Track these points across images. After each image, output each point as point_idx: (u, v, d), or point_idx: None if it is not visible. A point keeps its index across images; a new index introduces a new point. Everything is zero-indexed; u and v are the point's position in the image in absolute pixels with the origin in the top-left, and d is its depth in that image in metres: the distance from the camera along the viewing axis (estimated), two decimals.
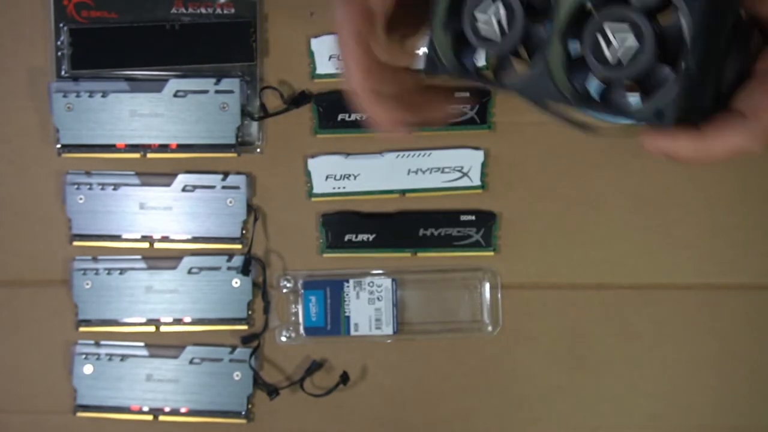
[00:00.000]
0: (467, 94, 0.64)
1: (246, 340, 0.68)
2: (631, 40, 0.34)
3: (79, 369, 0.68)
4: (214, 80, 0.67)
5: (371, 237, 0.68)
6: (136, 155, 0.68)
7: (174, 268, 0.68)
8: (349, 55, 0.40)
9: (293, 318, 0.69)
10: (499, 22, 0.36)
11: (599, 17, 0.34)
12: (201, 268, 0.68)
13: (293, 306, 0.69)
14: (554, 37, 0.36)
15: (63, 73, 0.68)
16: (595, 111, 0.37)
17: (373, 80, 0.41)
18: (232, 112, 0.67)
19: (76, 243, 0.68)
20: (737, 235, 0.68)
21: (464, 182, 0.68)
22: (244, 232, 0.68)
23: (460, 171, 0.68)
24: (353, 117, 0.67)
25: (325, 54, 0.67)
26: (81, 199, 0.68)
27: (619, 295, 0.68)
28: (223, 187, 0.68)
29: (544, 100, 0.37)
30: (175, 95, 0.67)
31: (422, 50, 0.39)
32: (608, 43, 0.34)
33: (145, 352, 0.69)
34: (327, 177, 0.68)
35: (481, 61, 0.40)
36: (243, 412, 0.68)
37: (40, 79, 0.68)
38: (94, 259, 0.68)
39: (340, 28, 0.40)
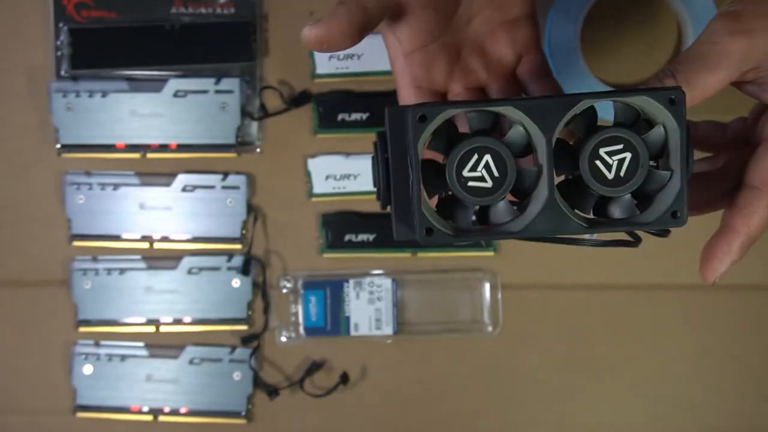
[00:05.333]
0: None
1: (246, 340, 0.68)
2: (629, 158, 0.36)
3: (78, 369, 0.68)
4: (213, 80, 0.67)
5: (371, 237, 0.68)
6: (136, 155, 0.68)
7: (174, 268, 0.68)
8: None
9: (293, 318, 0.69)
10: (490, 173, 0.36)
11: (594, 144, 0.36)
12: (201, 268, 0.68)
13: (293, 306, 0.69)
14: (545, 174, 0.36)
15: (63, 72, 0.68)
16: (608, 230, 0.38)
17: None
18: (232, 112, 0.67)
19: (75, 243, 0.68)
20: None
21: None
22: (244, 232, 0.68)
23: None
24: (353, 117, 0.67)
25: (325, 53, 0.67)
26: (81, 199, 0.68)
27: (619, 295, 0.68)
28: (223, 187, 0.68)
29: (554, 235, 0.37)
30: (175, 95, 0.67)
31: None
32: (607, 164, 0.36)
33: (144, 353, 0.68)
34: (327, 177, 0.68)
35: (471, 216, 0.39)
36: (243, 413, 0.68)
37: (39, 79, 0.68)
38: (94, 260, 0.68)
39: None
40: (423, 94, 0.44)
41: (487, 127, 0.37)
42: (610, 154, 0.36)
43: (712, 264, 0.41)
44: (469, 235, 0.38)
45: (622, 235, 0.42)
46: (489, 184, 0.36)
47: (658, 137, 0.37)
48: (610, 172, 0.36)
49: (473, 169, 0.36)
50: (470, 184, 0.36)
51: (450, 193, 0.37)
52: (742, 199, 0.41)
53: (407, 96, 0.44)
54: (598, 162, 0.36)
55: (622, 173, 0.36)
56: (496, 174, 0.36)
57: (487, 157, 0.36)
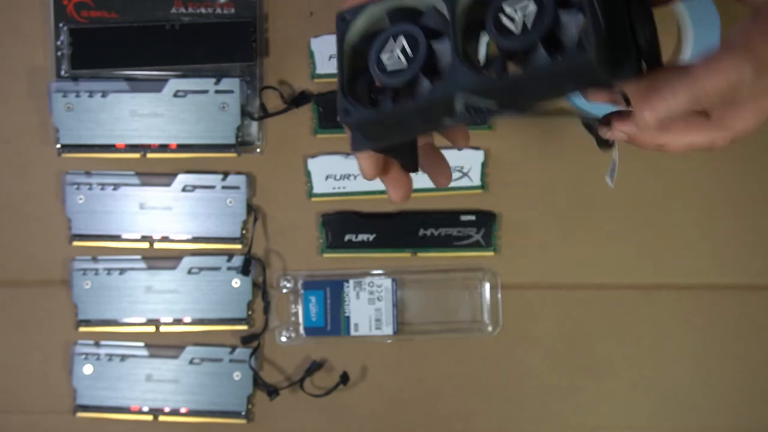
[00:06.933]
0: None
1: (246, 340, 0.68)
2: (531, 6, 0.36)
3: (78, 369, 0.68)
4: (214, 80, 0.67)
5: (371, 237, 0.68)
6: (136, 155, 0.68)
7: (174, 268, 0.68)
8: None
9: (293, 318, 0.69)
10: (404, 52, 0.39)
11: (496, 2, 0.37)
12: (201, 268, 0.68)
13: (293, 306, 0.69)
14: (459, 40, 0.38)
15: (63, 73, 0.68)
16: (521, 86, 0.38)
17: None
18: (232, 112, 0.67)
19: (75, 243, 0.68)
20: (737, 236, 0.68)
21: (464, 182, 0.68)
22: (244, 232, 0.68)
23: (460, 171, 0.67)
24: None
25: (325, 54, 0.67)
26: (81, 199, 0.68)
27: (619, 295, 0.68)
28: (223, 187, 0.68)
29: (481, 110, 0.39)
30: (175, 95, 0.67)
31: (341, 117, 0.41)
32: (511, 18, 0.36)
33: (145, 352, 0.69)
34: (327, 177, 0.68)
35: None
36: (243, 412, 0.68)
37: (40, 79, 0.68)
38: (94, 259, 0.68)
39: None
40: None
41: (402, 16, 0.40)
42: (514, 6, 0.36)
43: (653, 100, 0.37)
44: (383, 113, 0.40)
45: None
46: (405, 65, 0.39)
47: None
48: (515, 26, 0.36)
49: (389, 51, 0.39)
50: (386, 63, 0.39)
51: (377, 85, 0.40)
52: (714, 51, 0.36)
53: None
54: (502, 17, 0.36)
55: (529, 25, 0.36)
56: (410, 54, 0.39)
57: (401, 39, 0.39)
